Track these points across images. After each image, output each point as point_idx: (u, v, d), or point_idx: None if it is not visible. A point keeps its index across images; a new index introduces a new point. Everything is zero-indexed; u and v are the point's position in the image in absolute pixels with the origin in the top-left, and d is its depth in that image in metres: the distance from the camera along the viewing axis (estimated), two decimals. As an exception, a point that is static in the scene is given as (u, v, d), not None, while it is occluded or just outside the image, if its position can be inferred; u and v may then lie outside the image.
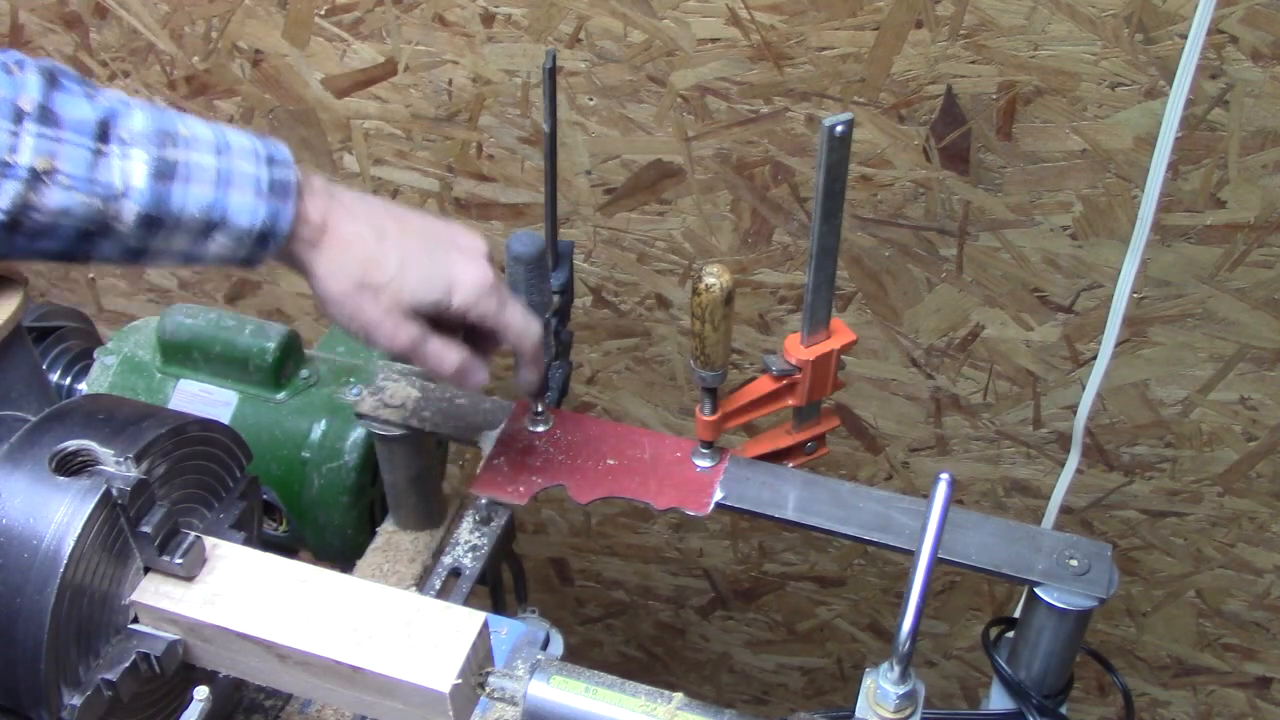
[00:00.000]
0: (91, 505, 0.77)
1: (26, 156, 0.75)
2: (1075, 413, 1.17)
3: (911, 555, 0.76)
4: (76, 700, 0.78)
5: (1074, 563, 0.93)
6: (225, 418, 1.13)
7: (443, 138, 1.45)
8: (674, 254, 1.46)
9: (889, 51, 1.22)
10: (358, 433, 1.11)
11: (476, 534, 1.07)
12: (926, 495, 0.76)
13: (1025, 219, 1.29)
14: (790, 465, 1.04)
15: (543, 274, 0.95)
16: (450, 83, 1.40)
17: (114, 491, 0.78)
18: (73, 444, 0.80)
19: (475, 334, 0.92)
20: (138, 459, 0.80)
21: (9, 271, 0.92)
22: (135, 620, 0.83)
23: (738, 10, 1.23)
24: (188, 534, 0.83)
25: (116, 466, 0.80)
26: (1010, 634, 1.01)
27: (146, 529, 0.80)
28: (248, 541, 0.90)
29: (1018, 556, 0.94)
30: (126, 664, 0.80)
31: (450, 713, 0.78)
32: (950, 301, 1.39)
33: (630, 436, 1.05)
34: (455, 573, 1.06)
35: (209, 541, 0.86)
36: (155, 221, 0.80)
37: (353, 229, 0.88)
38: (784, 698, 1.96)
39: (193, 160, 0.81)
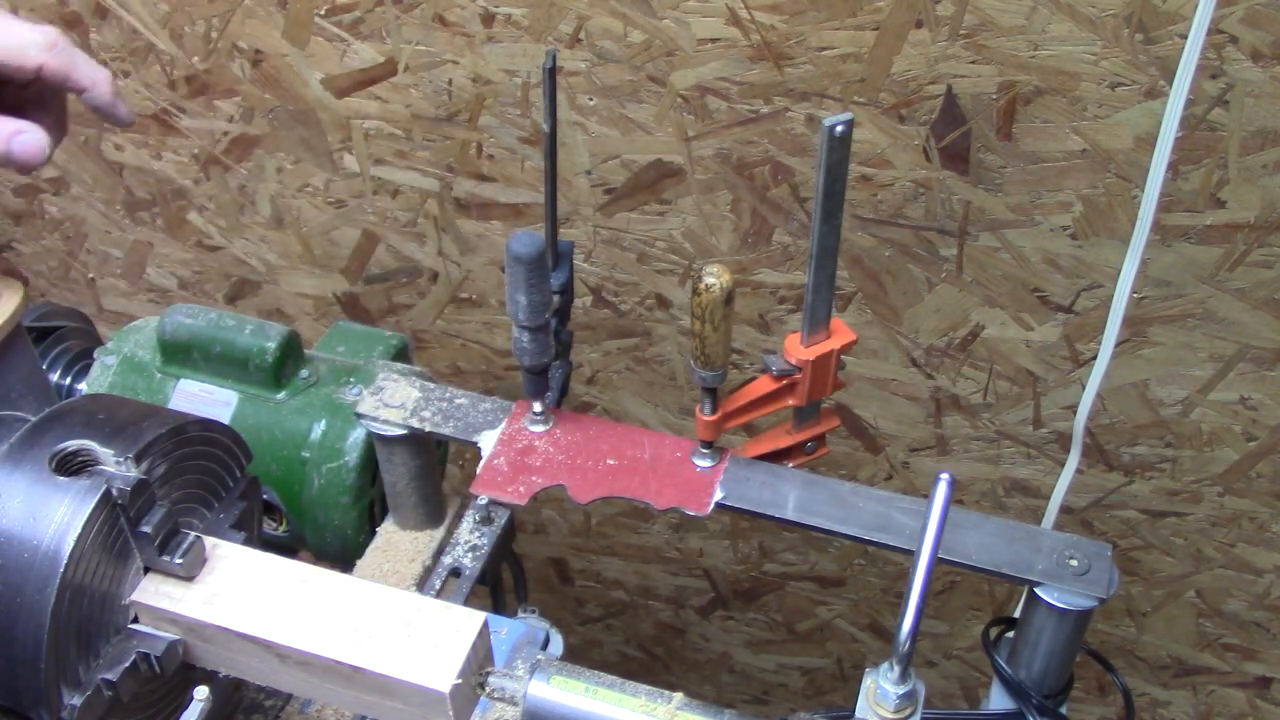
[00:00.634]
0: (91, 505, 0.77)
1: None
2: (1075, 413, 1.17)
3: (911, 555, 0.77)
4: (76, 700, 0.78)
5: (1074, 563, 0.93)
6: (225, 418, 1.13)
7: (443, 138, 1.45)
8: (674, 254, 1.46)
9: (889, 51, 1.22)
10: (358, 433, 1.11)
11: (476, 534, 1.08)
12: (926, 495, 0.76)
13: (1025, 219, 1.29)
14: (790, 465, 1.04)
15: (543, 274, 0.95)
16: (450, 83, 1.40)
17: (114, 491, 0.78)
18: (73, 444, 0.80)
19: (34, 102, 0.88)
20: (138, 459, 0.80)
21: (9, 271, 0.92)
22: (135, 620, 0.83)
23: (738, 10, 1.23)
24: (188, 534, 0.83)
25: (116, 466, 0.80)
26: (1010, 634, 1.01)
27: (146, 529, 0.80)
28: (248, 541, 0.90)
29: (1018, 556, 0.94)
30: (126, 664, 0.81)
31: (450, 713, 0.78)
32: (950, 301, 1.39)
33: (630, 436, 1.05)
34: (455, 573, 1.06)
35: (209, 541, 0.86)
36: None
37: None
38: (784, 698, 1.96)
39: None
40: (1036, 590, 0.92)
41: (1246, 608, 1.55)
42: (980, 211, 1.30)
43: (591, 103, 1.35)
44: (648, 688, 0.81)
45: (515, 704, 0.81)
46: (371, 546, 1.14)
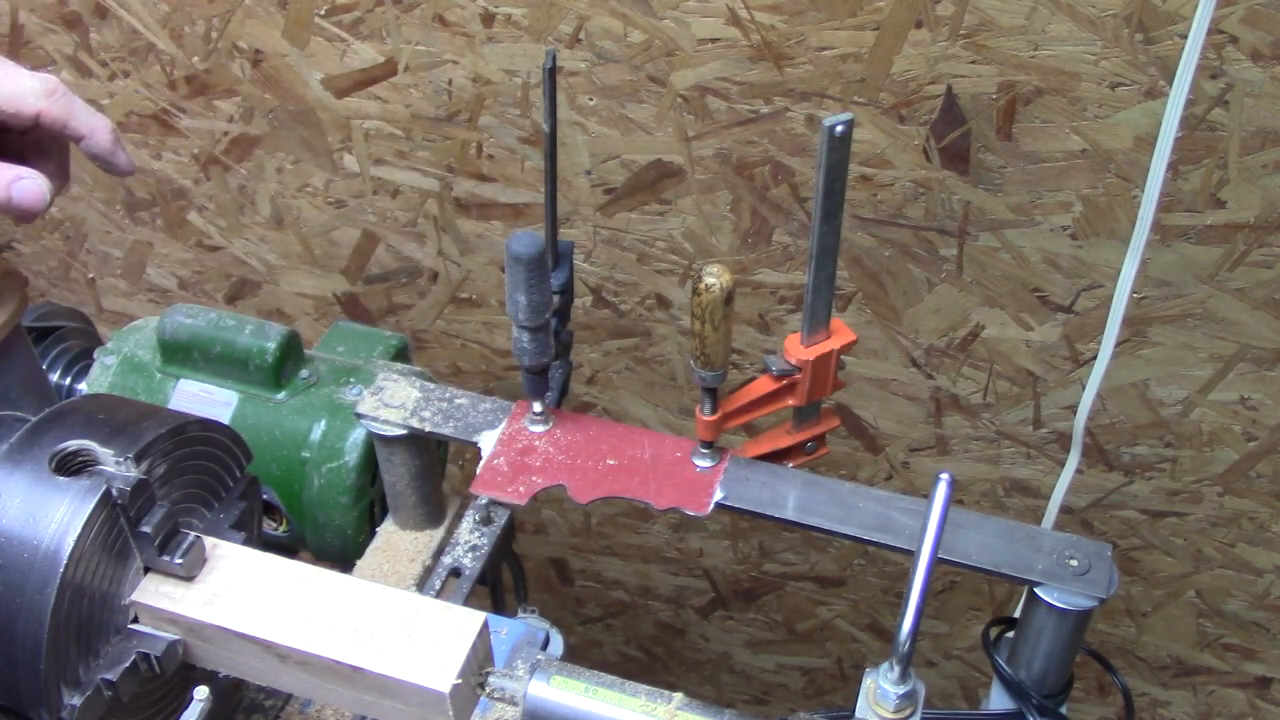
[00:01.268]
0: (91, 505, 0.77)
1: None
2: (1075, 413, 1.17)
3: (911, 555, 0.76)
4: (76, 700, 0.78)
5: (1074, 563, 0.93)
6: (225, 418, 1.13)
7: (443, 138, 1.45)
8: (674, 254, 1.46)
9: (889, 51, 1.22)
10: (358, 433, 1.11)
11: (476, 534, 1.08)
12: (926, 495, 0.76)
13: (1025, 219, 1.29)
14: (790, 465, 1.04)
15: (543, 274, 0.95)
16: (450, 83, 1.40)
17: (114, 491, 0.78)
18: (73, 444, 0.80)
19: (34, 149, 0.88)
20: (138, 459, 0.80)
21: (9, 271, 0.92)
22: (135, 620, 0.83)
23: (738, 10, 1.23)
24: (188, 534, 0.83)
25: (116, 466, 0.80)
26: (1010, 634, 1.01)
27: (146, 529, 0.80)
28: (248, 541, 0.90)
29: (1018, 556, 0.94)
30: (126, 664, 0.81)
31: (450, 713, 0.78)
32: (950, 301, 1.39)
33: (630, 436, 1.05)
34: (455, 573, 1.06)
35: (209, 541, 0.86)
36: None
37: None
38: (784, 698, 1.96)
39: None
40: (1036, 590, 0.92)
41: (1246, 608, 1.55)
42: (980, 211, 1.30)
43: (591, 103, 1.35)
44: (648, 688, 0.81)
45: (515, 704, 0.81)
46: (371, 546, 1.14)
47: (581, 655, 1.98)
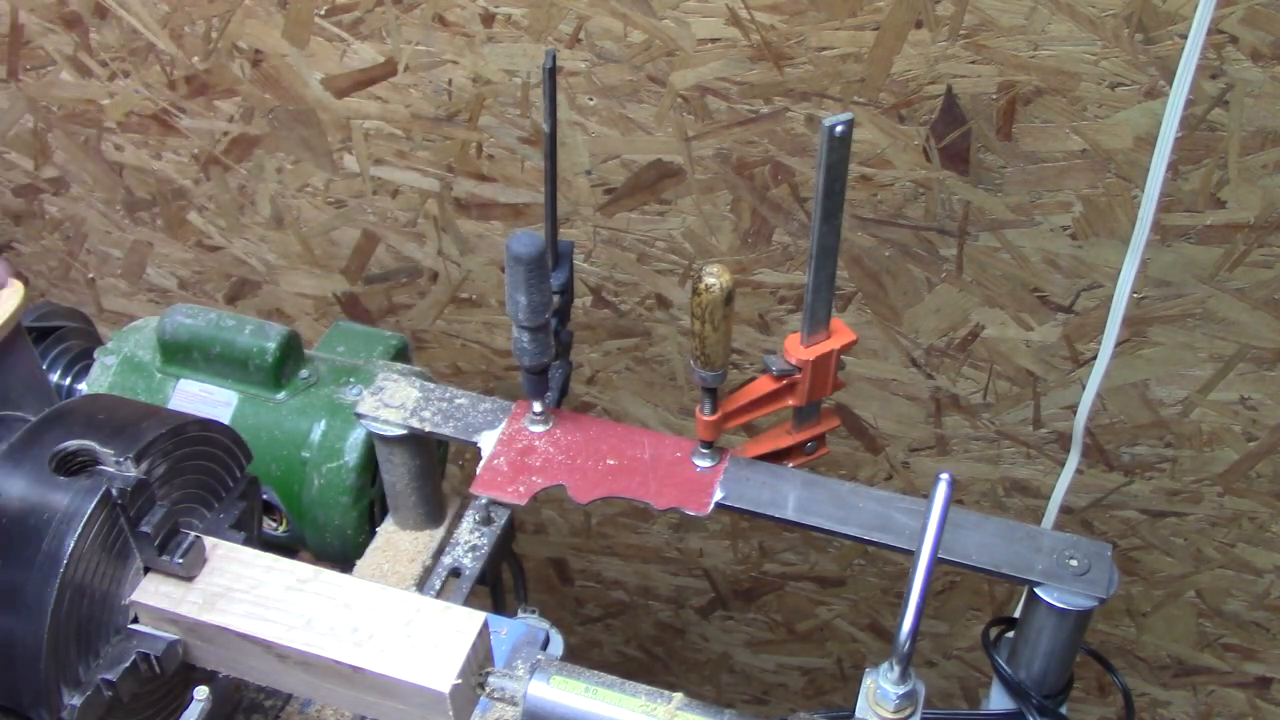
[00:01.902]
0: (91, 505, 0.77)
1: None
2: (1075, 413, 1.17)
3: (911, 555, 0.77)
4: (76, 700, 0.78)
5: (1074, 563, 0.93)
6: (225, 418, 1.13)
7: (443, 138, 1.45)
8: (674, 254, 1.46)
9: (889, 51, 1.22)
10: (358, 433, 1.11)
11: (476, 534, 1.08)
12: (926, 495, 0.76)
13: (1025, 219, 1.29)
14: (790, 465, 1.04)
15: (543, 274, 0.95)
16: (450, 83, 1.40)
17: (114, 491, 0.78)
18: (73, 444, 0.80)
19: None
20: (138, 459, 0.80)
21: (9, 272, 0.92)
22: (135, 620, 0.83)
23: (738, 10, 1.23)
24: (188, 534, 0.83)
25: (116, 466, 0.80)
26: (1010, 634, 1.01)
27: (146, 529, 0.80)
28: (248, 541, 0.90)
29: (1018, 556, 0.94)
30: (126, 664, 0.81)
31: (450, 713, 0.78)
32: (950, 301, 1.39)
33: (630, 436, 1.05)
34: (455, 573, 1.06)
35: (209, 541, 0.86)
36: None
37: None
38: (784, 698, 1.96)
39: None
40: (1036, 590, 0.92)
41: (1246, 608, 1.55)
42: (980, 211, 1.30)
43: (591, 103, 1.35)
44: (648, 688, 0.81)
45: (515, 704, 0.81)
46: (371, 546, 1.14)
47: (581, 655, 1.98)
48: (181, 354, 1.14)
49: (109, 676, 0.80)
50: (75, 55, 1.55)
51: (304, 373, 1.15)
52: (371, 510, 1.17)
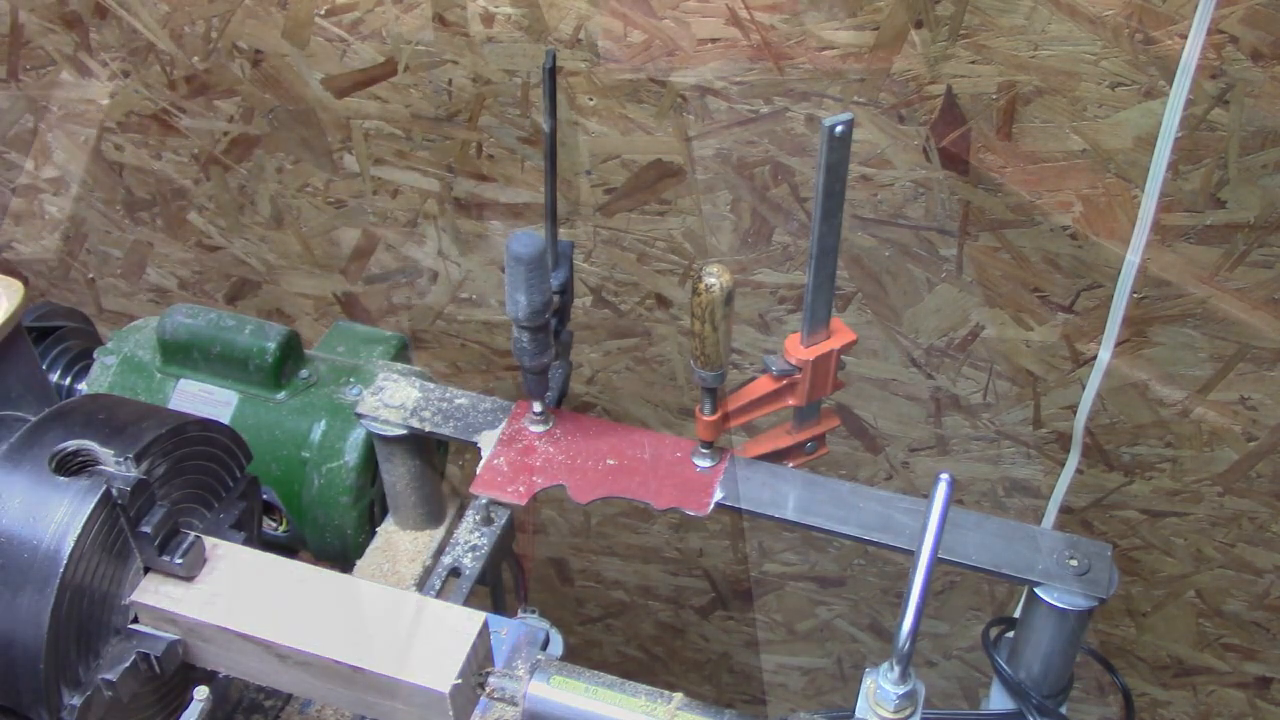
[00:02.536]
0: (91, 505, 0.77)
1: None
2: (1075, 413, 1.17)
3: (911, 555, 0.76)
4: (76, 700, 0.78)
5: (1074, 563, 0.93)
6: (225, 418, 1.13)
7: (443, 138, 1.45)
8: (674, 254, 1.46)
9: (889, 51, 1.22)
10: (358, 433, 1.11)
11: (476, 534, 1.07)
12: (926, 495, 0.76)
13: (1025, 219, 1.29)
14: (790, 465, 1.04)
15: (543, 274, 0.95)
16: (450, 83, 1.40)
17: (114, 491, 0.78)
18: (73, 444, 0.80)
19: None
20: (138, 459, 0.80)
21: (9, 272, 0.92)
22: (135, 620, 0.83)
23: (738, 10, 1.23)
24: (188, 534, 0.83)
25: (116, 466, 0.80)
26: (1010, 634, 1.01)
27: (146, 529, 0.80)
28: (248, 541, 0.90)
29: (1018, 556, 0.94)
30: (126, 664, 0.81)
31: (450, 713, 0.78)
32: (950, 301, 1.39)
33: (630, 436, 1.05)
34: (455, 573, 1.06)
35: (209, 541, 0.86)
36: None
37: None
38: (784, 698, 1.96)
39: None
40: (1036, 590, 0.92)
41: (1246, 608, 1.55)
42: (980, 211, 1.30)
43: (591, 103, 1.35)
44: (648, 688, 0.81)
45: (515, 704, 0.81)
46: (371, 546, 1.14)
47: (581, 655, 1.98)
48: (181, 354, 1.14)
49: (109, 676, 0.80)
50: (75, 55, 1.55)
51: (304, 373, 1.15)
52: (371, 510, 1.17)
